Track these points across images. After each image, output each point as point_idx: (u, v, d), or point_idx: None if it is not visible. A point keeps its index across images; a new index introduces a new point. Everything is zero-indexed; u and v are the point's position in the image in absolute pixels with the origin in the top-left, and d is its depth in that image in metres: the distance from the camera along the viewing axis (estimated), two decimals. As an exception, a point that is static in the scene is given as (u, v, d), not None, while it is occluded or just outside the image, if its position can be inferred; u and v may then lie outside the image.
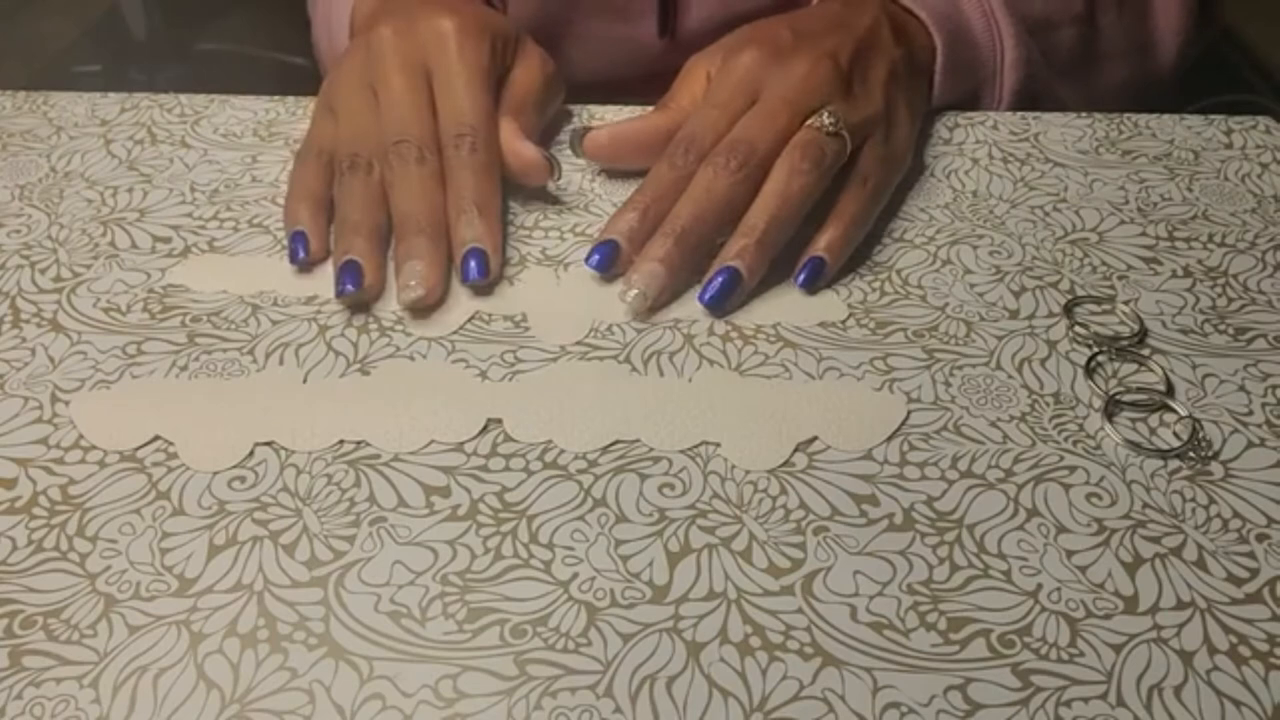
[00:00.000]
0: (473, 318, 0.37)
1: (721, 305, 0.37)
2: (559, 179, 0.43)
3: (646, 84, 0.46)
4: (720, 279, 0.37)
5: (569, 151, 0.45)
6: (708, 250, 0.39)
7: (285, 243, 0.40)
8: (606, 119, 0.48)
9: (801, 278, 0.38)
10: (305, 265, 0.39)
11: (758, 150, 0.39)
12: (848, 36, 0.43)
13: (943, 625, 0.28)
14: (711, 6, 0.55)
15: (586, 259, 0.39)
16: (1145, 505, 0.31)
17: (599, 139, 0.43)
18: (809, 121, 0.40)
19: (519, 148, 0.41)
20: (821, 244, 0.39)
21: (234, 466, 0.32)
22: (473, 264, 0.38)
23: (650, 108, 0.45)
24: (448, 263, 0.39)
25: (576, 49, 0.56)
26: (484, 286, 0.38)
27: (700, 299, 0.37)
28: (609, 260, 0.38)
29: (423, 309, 0.37)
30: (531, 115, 0.44)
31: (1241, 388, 0.35)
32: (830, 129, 0.39)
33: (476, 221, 0.39)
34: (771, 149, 0.39)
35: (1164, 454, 0.33)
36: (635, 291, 0.37)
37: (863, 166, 0.41)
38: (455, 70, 0.41)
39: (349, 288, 0.37)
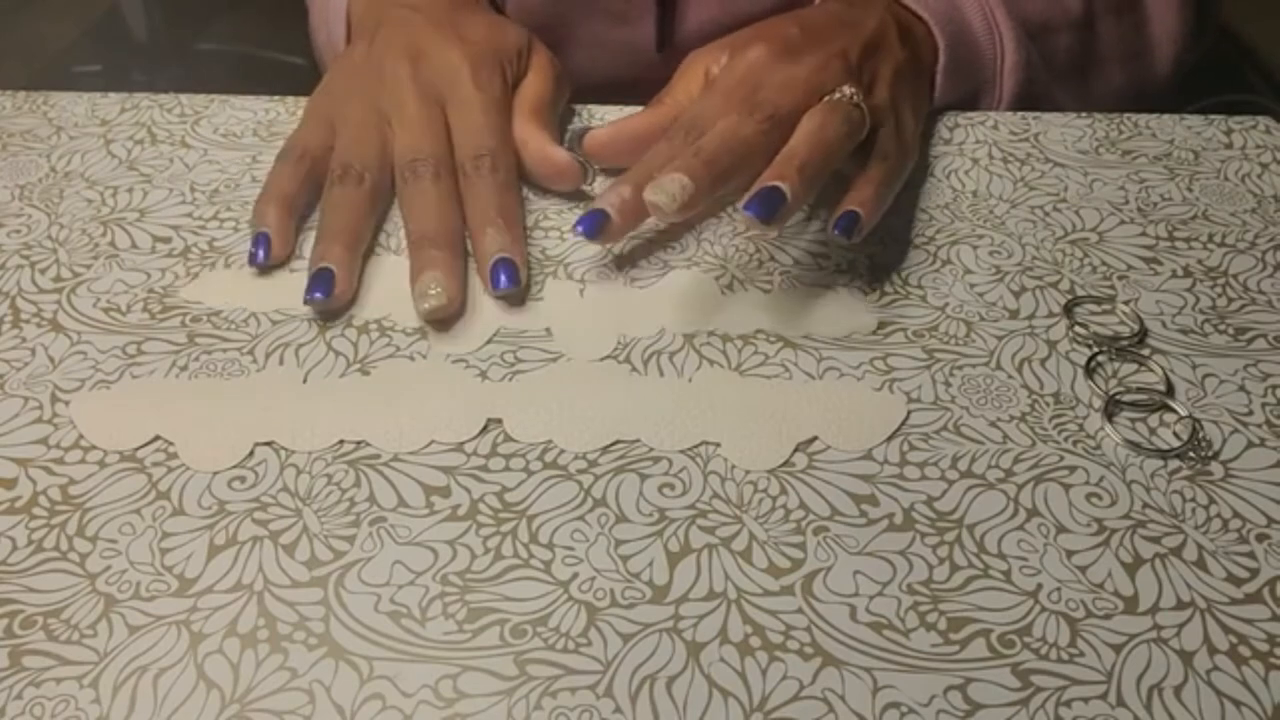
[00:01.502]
0: (497, 333, 0.37)
1: (769, 215, 0.34)
2: (593, 182, 0.43)
3: (647, 87, 0.46)
4: (764, 192, 0.34)
5: None
6: (729, 194, 0.37)
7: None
8: (607, 119, 0.48)
9: (839, 228, 0.36)
10: (264, 267, 0.39)
11: (781, 109, 0.38)
12: (855, 37, 0.43)
13: (943, 625, 0.28)
14: (710, 10, 0.55)
15: (574, 225, 0.38)
16: (1145, 505, 0.31)
17: (599, 138, 0.43)
18: (829, 96, 0.39)
19: (551, 153, 0.41)
20: (855, 199, 0.37)
21: (234, 466, 0.32)
22: (502, 275, 0.37)
23: None
24: (466, 274, 0.38)
25: (576, 52, 0.56)
26: (506, 301, 0.38)
27: (744, 209, 0.34)
28: (596, 228, 0.37)
29: (444, 323, 0.37)
30: (549, 117, 0.44)
31: (1241, 388, 0.35)
32: (852, 101, 0.39)
33: (503, 232, 0.38)
34: (792, 114, 0.38)
35: (1164, 454, 0.33)
36: (664, 193, 0.34)
37: (882, 145, 0.40)
38: (470, 96, 0.42)
39: (318, 295, 0.36)
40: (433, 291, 0.36)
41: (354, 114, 0.42)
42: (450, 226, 0.39)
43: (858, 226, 0.37)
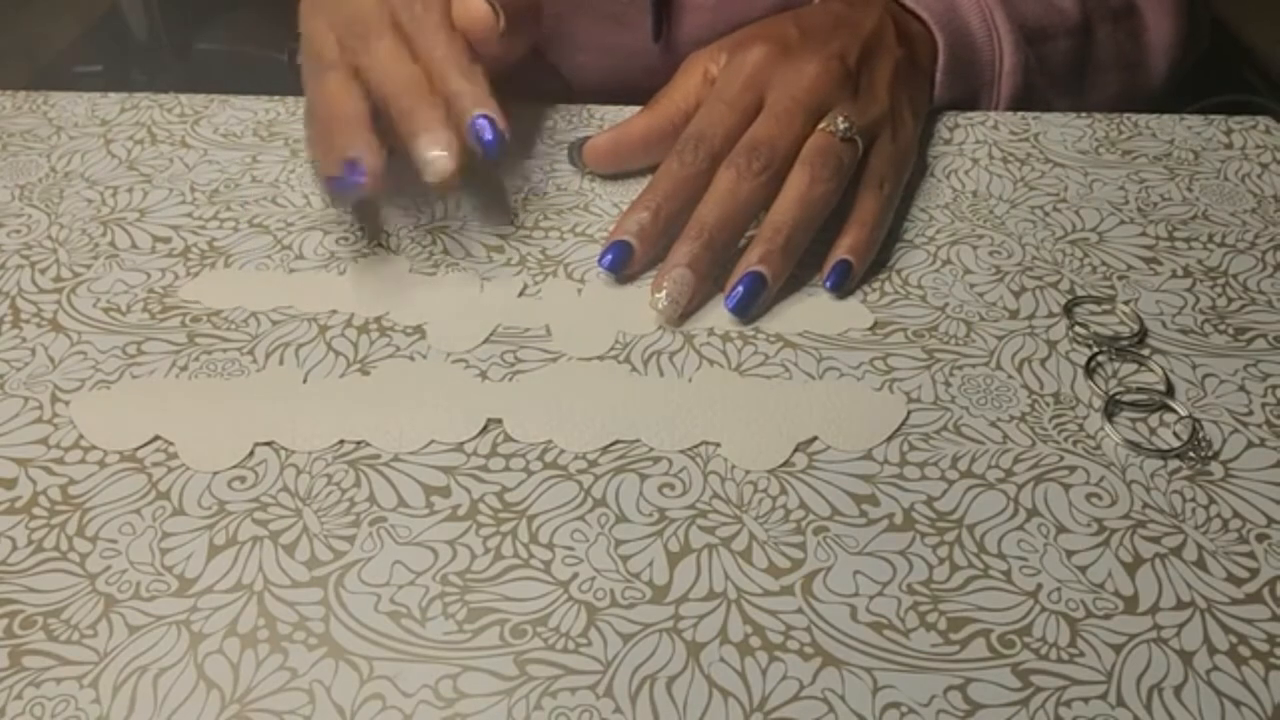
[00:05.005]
0: (495, 331, 0.37)
1: (747, 311, 0.37)
2: (503, 28, 0.40)
3: (647, 89, 0.46)
4: (745, 285, 0.37)
5: (569, 165, 0.45)
6: (732, 253, 0.38)
7: (286, 243, 0.40)
8: (607, 119, 0.48)
9: (830, 282, 0.38)
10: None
11: (778, 152, 0.39)
12: (854, 37, 0.43)
13: (943, 625, 0.28)
14: (705, 14, 0.55)
15: (599, 259, 0.38)
16: (1145, 505, 0.31)
17: (600, 146, 0.43)
18: (822, 125, 0.40)
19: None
20: (845, 246, 0.38)
21: (234, 466, 0.32)
22: (485, 132, 0.37)
23: None
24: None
25: (576, 55, 0.56)
26: (506, 301, 0.38)
27: (726, 305, 0.37)
28: (621, 260, 0.38)
29: (441, 311, 0.37)
30: None
31: (1241, 388, 0.35)
32: (844, 134, 0.39)
33: (466, 87, 0.38)
34: (790, 151, 0.39)
35: (1164, 454, 0.33)
36: (666, 299, 0.37)
37: (876, 168, 0.41)
38: None
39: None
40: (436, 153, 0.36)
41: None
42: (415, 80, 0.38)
43: (850, 277, 0.38)
